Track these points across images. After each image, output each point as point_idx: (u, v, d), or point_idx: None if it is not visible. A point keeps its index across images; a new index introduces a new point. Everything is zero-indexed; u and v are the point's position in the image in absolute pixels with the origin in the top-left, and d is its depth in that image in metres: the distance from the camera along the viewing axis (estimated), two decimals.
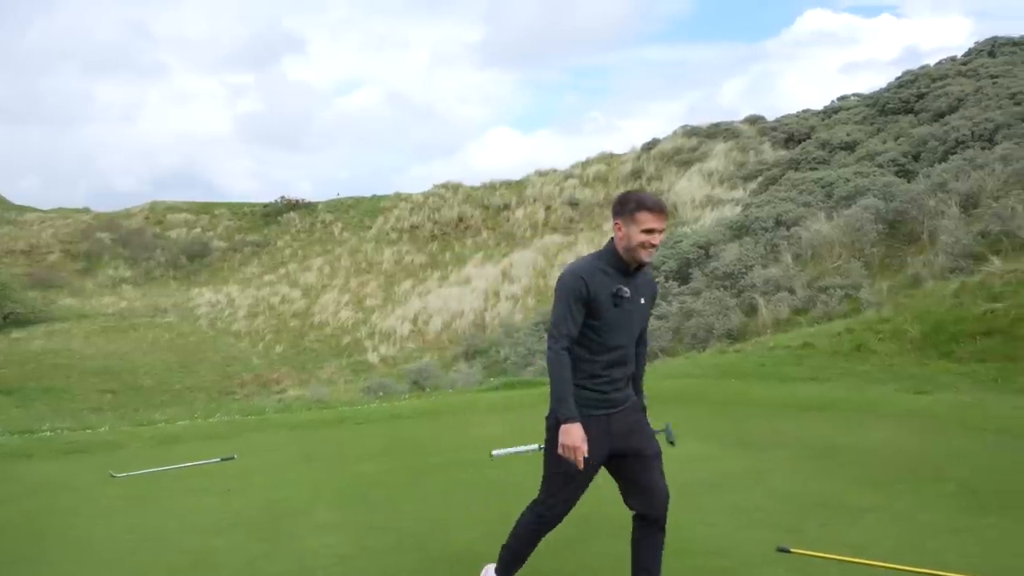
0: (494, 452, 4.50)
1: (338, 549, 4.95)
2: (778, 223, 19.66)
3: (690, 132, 37.04)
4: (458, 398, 11.05)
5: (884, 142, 24.46)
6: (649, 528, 3.77)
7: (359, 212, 42.99)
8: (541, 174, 40.07)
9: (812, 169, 25.00)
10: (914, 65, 34.41)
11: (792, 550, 4.47)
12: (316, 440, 9.08)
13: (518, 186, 39.87)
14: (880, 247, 16.53)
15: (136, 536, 5.45)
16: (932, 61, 30.48)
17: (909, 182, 19.20)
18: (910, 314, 11.21)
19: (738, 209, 25.16)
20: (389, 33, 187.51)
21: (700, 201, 29.98)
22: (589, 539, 4.89)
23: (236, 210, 46.54)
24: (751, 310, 16.69)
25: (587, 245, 30.39)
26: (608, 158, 39.36)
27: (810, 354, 11.10)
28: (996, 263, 12.14)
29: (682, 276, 19.90)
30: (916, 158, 22.02)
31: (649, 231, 3.54)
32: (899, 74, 30.18)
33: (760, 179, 28.59)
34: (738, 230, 20.47)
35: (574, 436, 3.51)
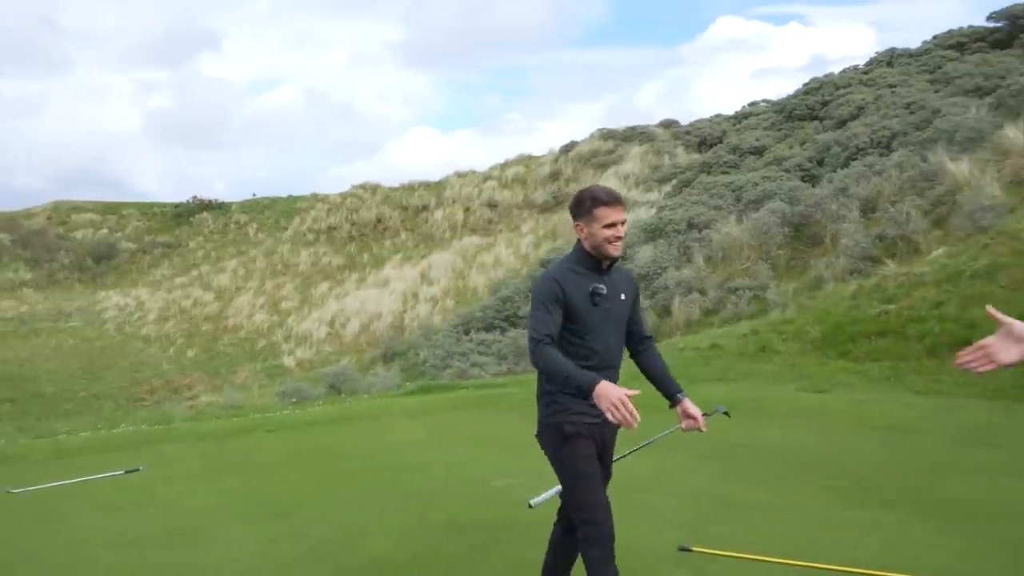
0: (532, 501, 4.33)
1: (246, 562, 4.90)
2: (690, 226, 20.15)
3: (606, 135, 37.63)
4: (373, 403, 11.01)
5: (791, 147, 25.33)
6: (574, 537, 3.68)
7: (275, 213, 42.21)
8: (460, 175, 40.11)
9: (723, 173, 25.71)
10: (821, 72, 35.72)
11: (693, 548, 4.62)
12: (226, 449, 8.92)
13: (437, 187, 39.80)
14: (786, 249, 17.15)
15: (30, 556, 5.28)
16: (838, 69, 31.72)
17: (814, 187, 19.93)
18: (811, 315, 11.67)
19: (653, 211, 25.67)
20: (309, 31, 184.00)
21: None
22: (498, 544, 4.96)
23: (145, 210, 45.11)
24: (664, 311, 17.09)
25: (505, 247, 30.58)
26: (527, 160, 39.66)
27: (718, 355, 11.45)
28: (891, 266, 12.74)
29: None
30: (820, 163, 22.86)
31: (611, 225, 3.49)
32: (806, 81, 31.31)
33: (674, 182, 29.22)
34: (652, 232, 20.91)
35: (610, 392, 3.12)
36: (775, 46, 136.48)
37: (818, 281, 14.98)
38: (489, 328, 20.85)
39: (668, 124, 37.40)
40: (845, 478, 6.05)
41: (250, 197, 44.83)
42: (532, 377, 13.81)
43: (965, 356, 2.57)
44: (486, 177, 38.72)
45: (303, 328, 28.87)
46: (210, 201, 44.44)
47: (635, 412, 3.05)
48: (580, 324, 3.51)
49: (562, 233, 30.36)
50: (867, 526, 4.99)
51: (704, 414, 3.79)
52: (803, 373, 10.19)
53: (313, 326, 28.73)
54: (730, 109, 35.73)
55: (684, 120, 37.48)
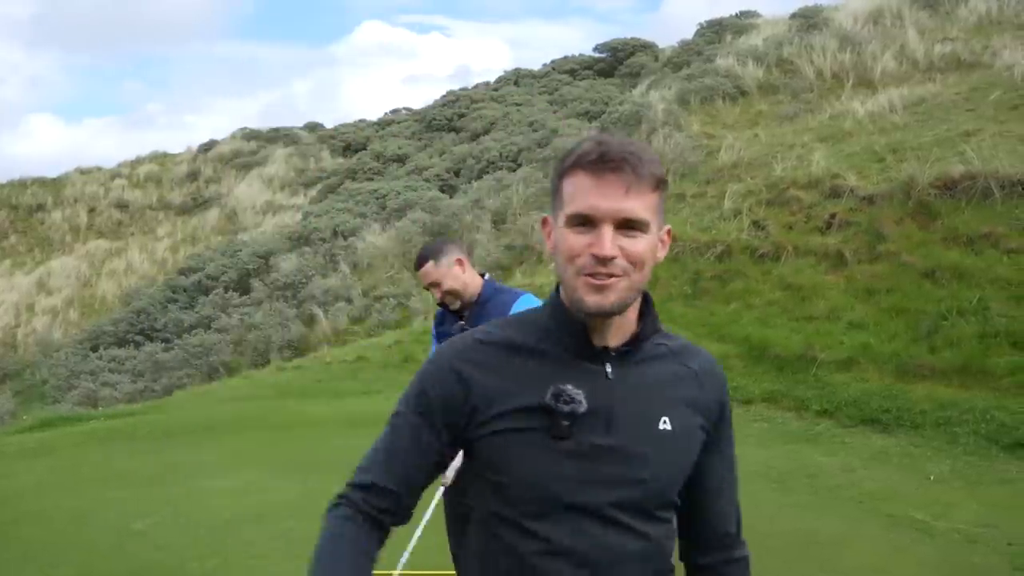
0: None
1: None
2: (336, 233, 20.40)
3: (249, 135, 36.51)
4: None
5: (430, 157, 26.63)
6: None
7: None
8: (83, 172, 36.35)
9: (368, 179, 26.29)
10: (466, 83, 38.06)
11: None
12: None
13: (55, 184, 35.64)
14: None
15: None
16: (480, 80, 33.88)
17: (451, 197, 21.22)
18: None
19: (299, 216, 25.51)
20: None
21: (261, 207, 29.78)
22: None
23: None
24: (311, 320, 17.16)
25: (139, 252, 28.44)
26: (161, 158, 37.10)
27: (364, 367, 11.82)
28: (518, 275, 14.10)
29: (243, 287, 19.69)
30: (457, 174, 24.37)
31: (586, 222, 1.44)
32: (444, 93, 33.04)
33: (320, 187, 29.28)
34: (297, 240, 20.83)
35: None
36: (423, 54, 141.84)
37: None
38: (122, 343, 19.34)
39: (313, 127, 37.30)
40: None
41: None
42: (171, 401, 13.17)
43: None
44: (114, 175, 35.58)
45: None
46: None
47: None
48: (520, 480, 1.51)
49: (203, 237, 28.99)
50: None
51: None
52: None
53: None
54: (382, 112, 36.38)
55: (338, 121, 37.60)
